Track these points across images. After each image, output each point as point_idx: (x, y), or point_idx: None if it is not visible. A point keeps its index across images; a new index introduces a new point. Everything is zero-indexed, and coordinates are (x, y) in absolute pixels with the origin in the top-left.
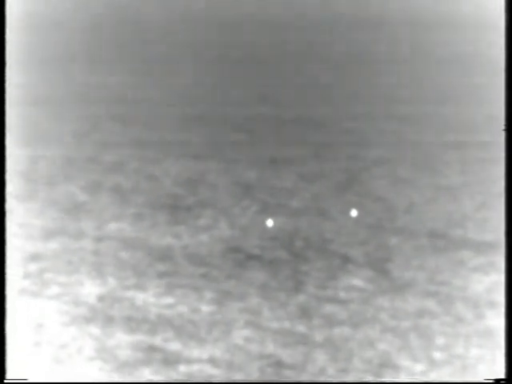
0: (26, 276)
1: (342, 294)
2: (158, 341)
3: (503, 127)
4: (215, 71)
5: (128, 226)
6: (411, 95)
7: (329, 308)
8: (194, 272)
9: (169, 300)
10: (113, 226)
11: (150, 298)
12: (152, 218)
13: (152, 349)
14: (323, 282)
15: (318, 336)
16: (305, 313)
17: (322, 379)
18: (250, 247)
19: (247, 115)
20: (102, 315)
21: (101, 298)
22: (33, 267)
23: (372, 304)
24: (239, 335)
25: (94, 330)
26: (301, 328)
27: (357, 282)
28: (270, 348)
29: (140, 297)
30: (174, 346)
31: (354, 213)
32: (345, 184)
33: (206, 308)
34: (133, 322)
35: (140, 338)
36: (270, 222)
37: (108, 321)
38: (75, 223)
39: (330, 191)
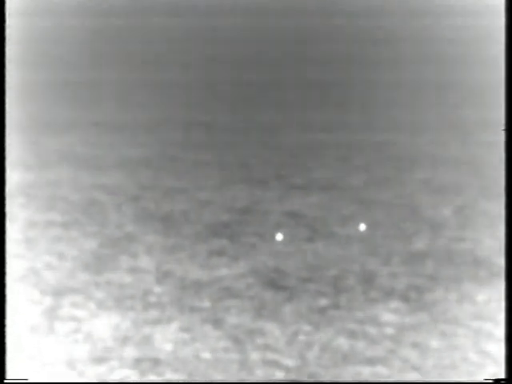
0: (43, 311)
1: (371, 330)
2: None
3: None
4: (283, 97)
5: (165, 257)
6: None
7: (352, 344)
8: (221, 306)
9: (186, 336)
10: (149, 258)
11: (167, 335)
12: (192, 248)
13: None
14: (352, 316)
15: (329, 375)
16: (324, 349)
17: None
18: (286, 279)
19: (315, 140)
20: (111, 353)
21: (114, 335)
22: (54, 301)
23: (399, 341)
24: (250, 375)
25: (99, 368)
26: (313, 366)
27: (389, 316)
28: None
29: (157, 333)
30: None
31: (362, 227)
32: (403, 212)
33: (223, 344)
34: (143, 361)
35: (146, 378)
36: (279, 236)
37: (117, 359)
38: (111, 255)
39: (386, 219)
